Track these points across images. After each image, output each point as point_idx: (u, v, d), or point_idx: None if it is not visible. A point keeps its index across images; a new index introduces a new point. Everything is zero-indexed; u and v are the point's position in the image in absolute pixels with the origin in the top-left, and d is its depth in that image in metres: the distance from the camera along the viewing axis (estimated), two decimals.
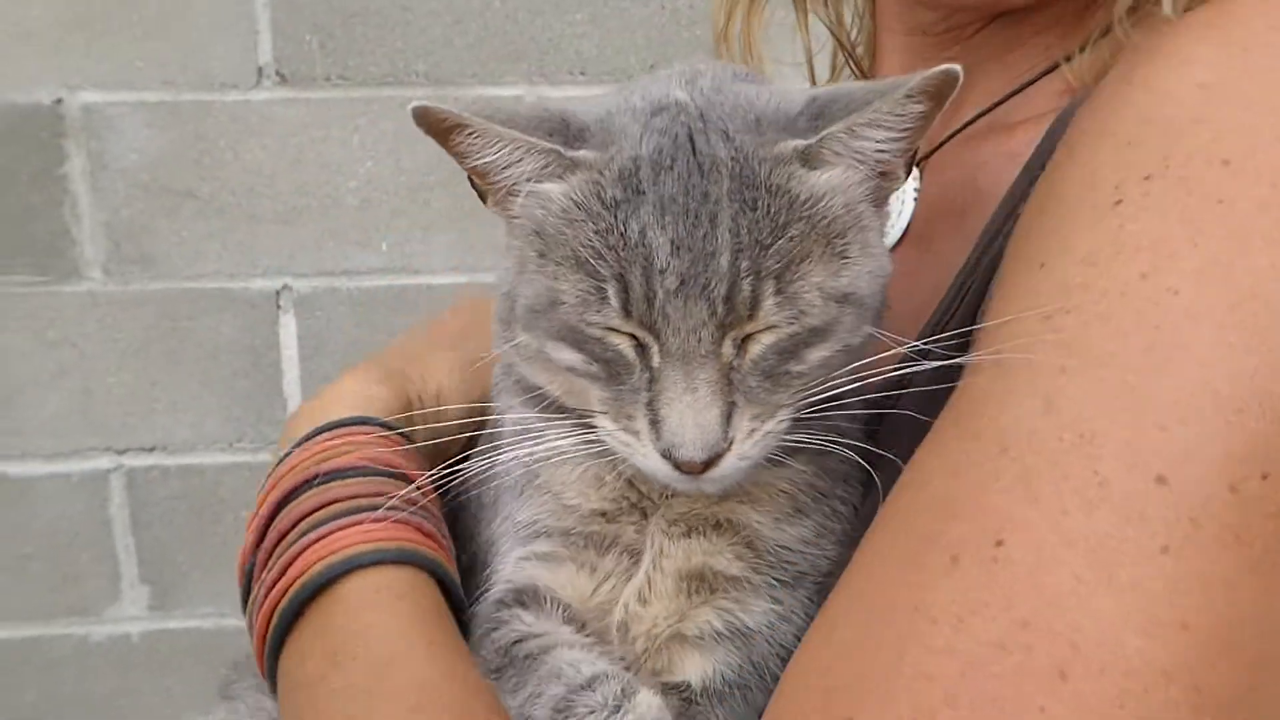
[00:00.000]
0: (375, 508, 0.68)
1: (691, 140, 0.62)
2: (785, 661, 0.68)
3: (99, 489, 1.85)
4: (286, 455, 0.73)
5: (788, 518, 0.70)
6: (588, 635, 0.70)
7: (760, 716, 0.58)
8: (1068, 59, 0.74)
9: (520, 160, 0.65)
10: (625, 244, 0.61)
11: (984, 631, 0.47)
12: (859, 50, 0.96)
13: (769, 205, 0.61)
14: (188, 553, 1.89)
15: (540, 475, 0.71)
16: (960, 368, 0.60)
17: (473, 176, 0.68)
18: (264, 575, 0.69)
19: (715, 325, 0.60)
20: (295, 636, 0.67)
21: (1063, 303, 0.52)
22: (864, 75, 0.96)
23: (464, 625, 0.71)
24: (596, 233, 0.62)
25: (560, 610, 0.70)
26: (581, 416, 0.68)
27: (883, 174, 0.66)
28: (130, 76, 1.69)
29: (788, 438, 0.64)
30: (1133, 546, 0.46)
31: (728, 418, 0.61)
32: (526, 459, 0.70)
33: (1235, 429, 0.47)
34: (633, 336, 0.62)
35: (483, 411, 0.78)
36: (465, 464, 0.72)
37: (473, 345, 0.82)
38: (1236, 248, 0.49)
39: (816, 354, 0.64)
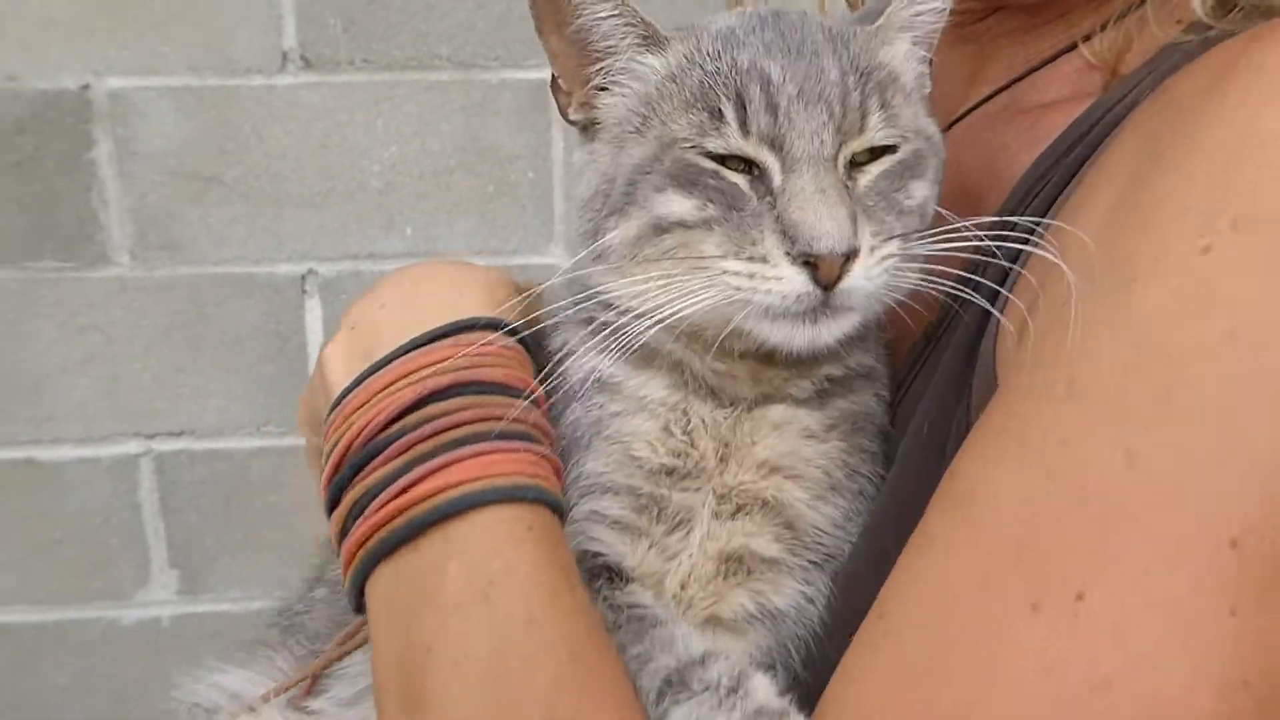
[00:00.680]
0: (527, 436, 0.66)
1: (776, 16, 0.70)
2: (808, 642, 0.70)
3: (128, 473, 1.87)
4: (426, 343, 0.69)
5: (824, 497, 0.72)
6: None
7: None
8: (1086, 38, 0.74)
9: (625, 31, 0.69)
10: (737, 71, 0.66)
11: (1068, 687, 0.48)
12: None
13: (857, 52, 0.68)
14: (216, 537, 1.91)
15: (607, 428, 0.71)
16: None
17: (558, 80, 0.72)
18: (395, 463, 0.65)
19: (834, 129, 0.65)
20: (426, 546, 0.64)
21: (1146, 346, 0.52)
22: None
23: None
24: (705, 74, 0.67)
25: (634, 582, 0.70)
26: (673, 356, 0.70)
27: (924, 58, 0.73)
28: (156, 62, 1.70)
29: (893, 285, 0.67)
30: (1207, 609, 0.48)
31: (854, 222, 0.63)
32: (603, 402, 0.71)
33: None
34: (748, 166, 0.65)
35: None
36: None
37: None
38: None
39: (918, 189, 0.68)
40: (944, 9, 0.72)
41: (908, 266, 0.67)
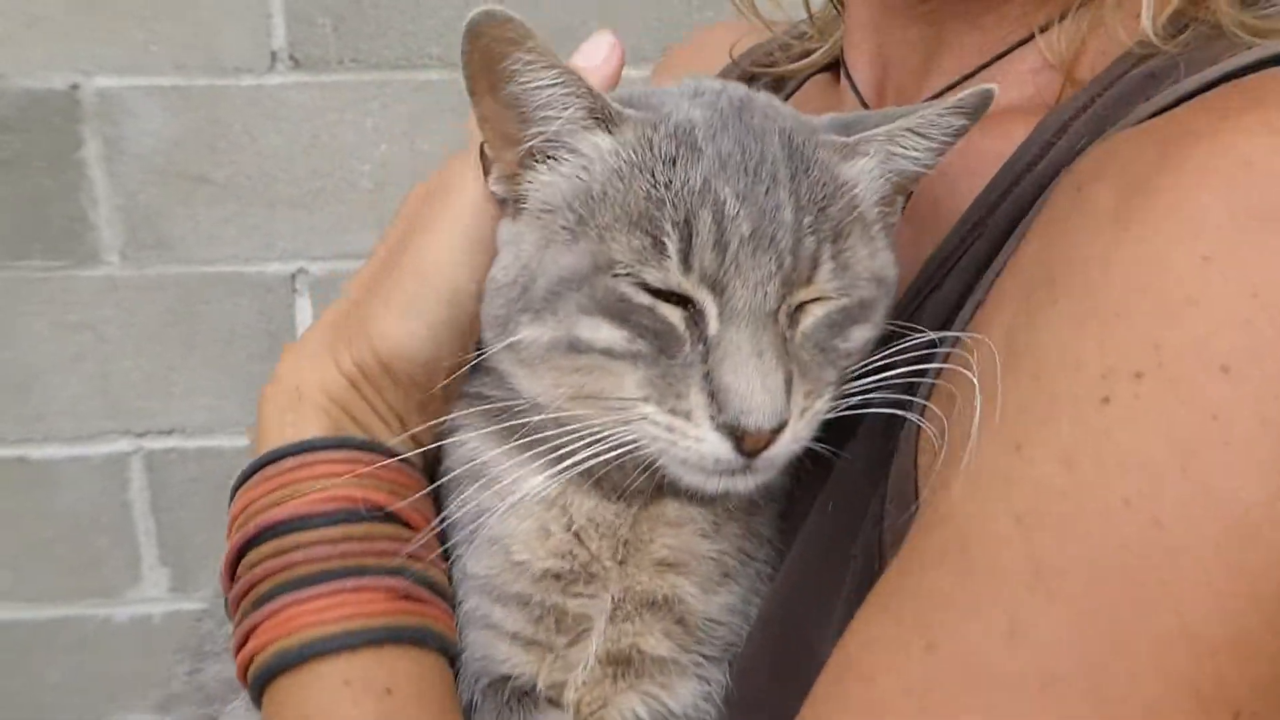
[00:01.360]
0: (343, 573, 0.62)
1: (739, 114, 0.62)
2: None
3: (119, 472, 1.87)
4: (248, 479, 0.67)
5: (716, 585, 0.67)
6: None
7: None
8: (1043, 29, 0.70)
9: (569, 101, 0.61)
10: (689, 192, 0.58)
11: None
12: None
13: (818, 175, 0.61)
14: (206, 535, 1.91)
15: (486, 528, 0.65)
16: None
17: (484, 147, 0.64)
18: (235, 626, 0.64)
19: (780, 281, 0.58)
20: (268, 705, 0.63)
21: (1038, 507, 0.48)
22: None
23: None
24: (654, 184, 0.59)
25: (549, 703, 0.67)
26: (567, 444, 0.62)
27: (895, 190, 0.67)
28: (144, 61, 1.69)
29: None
30: None
31: (789, 386, 0.58)
32: (483, 500, 0.65)
33: (1207, 671, 0.44)
34: (684, 306, 0.59)
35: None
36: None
37: (419, 254, 0.68)
38: (1229, 476, 0.45)
39: (860, 333, 0.63)
40: (935, 149, 0.65)
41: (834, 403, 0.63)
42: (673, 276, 0.58)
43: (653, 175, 0.60)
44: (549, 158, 0.63)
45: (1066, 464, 0.48)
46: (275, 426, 0.67)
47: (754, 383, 0.57)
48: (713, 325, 0.58)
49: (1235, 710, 0.44)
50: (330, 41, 1.71)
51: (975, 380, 0.53)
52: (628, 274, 0.59)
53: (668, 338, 0.59)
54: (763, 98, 0.67)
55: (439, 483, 0.68)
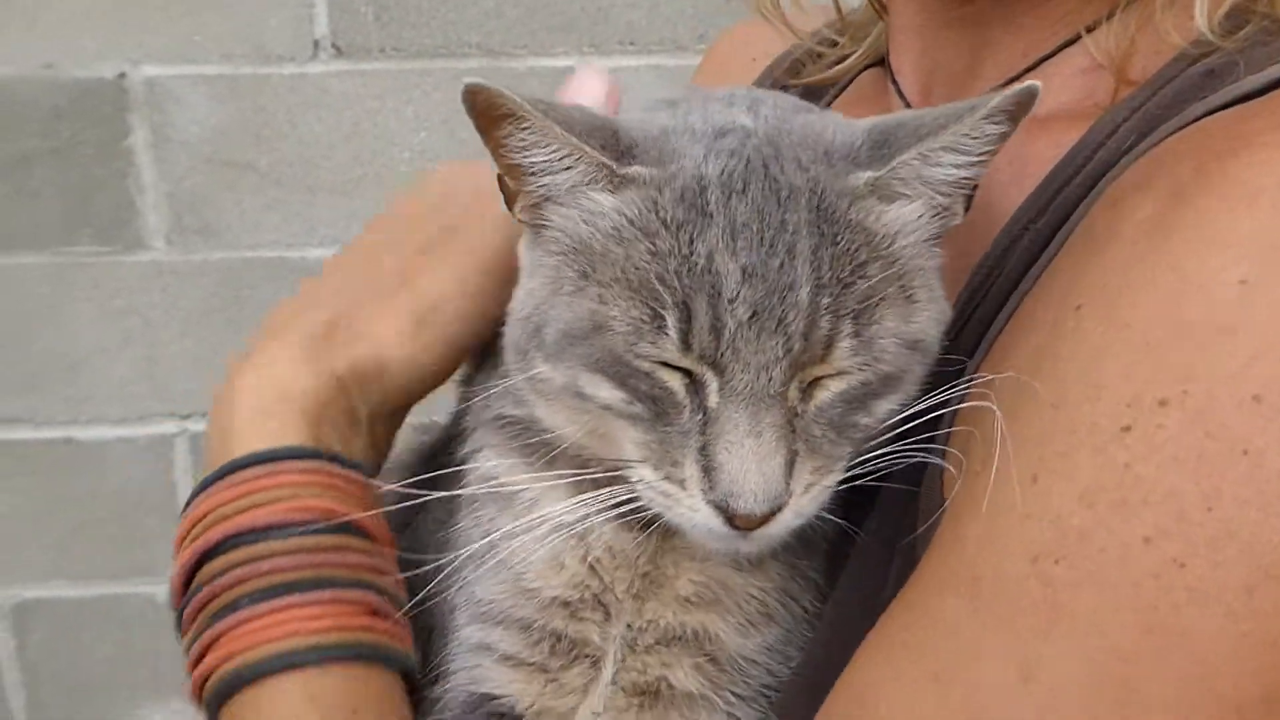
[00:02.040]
0: (315, 584, 0.60)
1: (765, 166, 0.56)
2: None
3: (164, 453, 1.90)
4: (207, 486, 0.64)
5: (755, 624, 0.65)
6: None
7: None
8: (1089, 29, 0.67)
9: (569, 167, 0.58)
10: (690, 269, 0.54)
11: None
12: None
13: (849, 241, 0.56)
14: None
15: (498, 550, 0.63)
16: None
17: (504, 177, 0.62)
18: (191, 639, 0.62)
19: (788, 364, 0.54)
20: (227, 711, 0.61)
21: (1056, 546, 0.46)
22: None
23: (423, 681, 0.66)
24: (654, 255, 0.55)
25: None
26: (594, 466, 0.61)
27: (947, 208, 0.61)
28: (190, 51, 1.73)
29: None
30: None
31: (790, 468, 0.55)
32: (499, 521, 0.63)
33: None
34: (687, 373, 0.56)
35: (425, 462, 0.71)
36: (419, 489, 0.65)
37: (428, 282, 0.69)
38: (1260, 515, 0.42)
39: (884, 406, 0.58)
40: (978, 148, 0.59)
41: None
42: (670, 354, 0.55)
43: (654, 243, 0.56)
44: (559, 202, 0.60)
45: (1084, 500, 0.46)
46: (251, 429, 0.64)
47: (748, 465, 0.54)
48: (712, 398, 0.55)
49: None
50: (372, 30, 1.73)
51: (995, 408, 0.51)
52: (626, 348, 0.56)
53: (666, 403, 0.56)
54: (798, 131, 0.60)
55: (435, 496, 0.67)
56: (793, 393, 0.55)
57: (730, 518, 0.55)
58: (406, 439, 0.77)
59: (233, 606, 0.60)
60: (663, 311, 0.54)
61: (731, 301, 0.53)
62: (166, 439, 1.89)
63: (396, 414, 0.71)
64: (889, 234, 0.58)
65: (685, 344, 0.54)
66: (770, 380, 0.54)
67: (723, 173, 0.56)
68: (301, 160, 1.78)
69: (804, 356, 0.54)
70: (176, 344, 1.85)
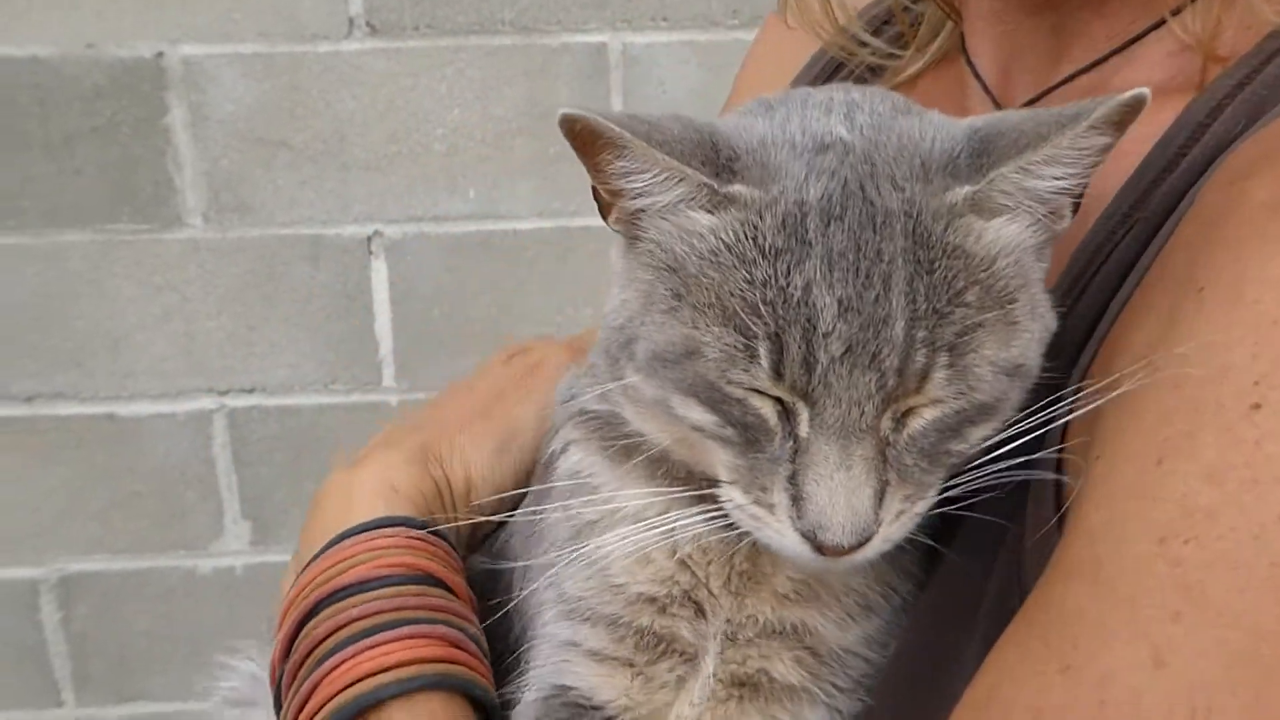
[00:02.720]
0: (399, 623, 0.64)
1: (862, 188, 0.55)
2: None
3: (203, 428, 1.93)
4: (310, 563, 0.69)
5: (855, 617, 0.65)
6: None
7: None
8: (1175, 12, 0.65)
9: (666, 188, 0.58)
10: (785, 300, 0.53)
11: None
12: None
13: (946, 268, 0.55)
14: (286, 490, 1.97)
15: (588, 546, 0.64)
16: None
17: (599, 190, 0.61)
18: (291, 697, 0.66)
19: (881, 399, 0.54)
20: None
21: (1184, 528, 0.45)
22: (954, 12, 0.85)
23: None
24: (750, 283, 0.54)
25: None
26: (685, 474, 0.62)
27: (1052, 214, 0.59)
28: (227, 29, 1.74)
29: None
30: None
31: (880, 498, 0.55)
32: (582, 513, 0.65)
33: None
34: (779, 401, 0.56)
35: (516, 501, 0.75)
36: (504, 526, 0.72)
37: (513, 412, 0.77)
38: None
39: (979, 432, 0.57)
40: (1080, 175, 0.57)
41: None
42: (762, 382, 0.55)
43: (750, 272, 0.55)
44: (660, 218, 0.60)
45: (1212, 479, 0.45)
46: (361, 513, 0.71)
47: (837, 499, 0.54)
48: (803, 428, 0.55)
49: None
50: (406, 8, 1.74)
51: (1115, 393, 0.51)
52: (718, 374, 0.56)
53: (757, 430, 0.56)
54: (895, 142, 0.58)
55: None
56: (885, 423, 0.55)
57: (818, 547, 0.55)
58: None
59: (325, 656, 0.64)
60: (755, 342, 0.54)
61: (826, 336, 0.53)
62: (205, 414, 1.92)
63: (476, 527, 0.77)
64: (989, 255, 0.56)
65: (777, 374, 0.54)
66: (862, 415, 0.54)
67: (822, 197, 0.55)
68: (336, 138, 1.79)
69: (897, 390, 0.54)
70: (214, 320, 1.87)
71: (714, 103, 1.80)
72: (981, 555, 0.60)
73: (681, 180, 0.57)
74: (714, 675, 0.64)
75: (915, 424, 0.56)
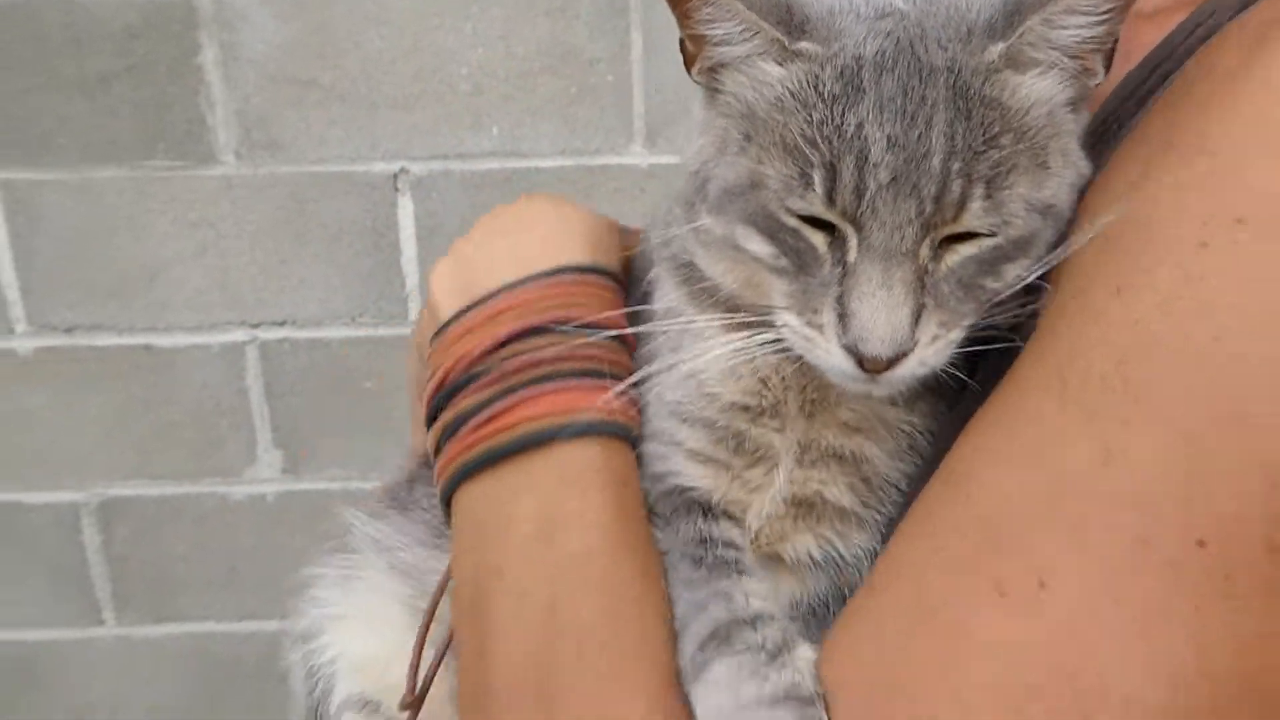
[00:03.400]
0: (602, 373, 0.70)
1: (912, 47, 0.62)
2: None
3: (235, 360, 2.00)
4: (528, 283, 0.74)
5: (903, 454, 0.71)
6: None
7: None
8: None
9: (747, 40, 0.65)
10: (840, 135, 0.61)
11: (1022, 672, 0.50)
12: None
13: (982, 115, 0.61)
14: (316, 420, 2.04)
15: (685, 362, 0.72)
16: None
17: (684, 41, 0.68)
18: (488, 394, 0.71)
19: (920, 224, 0.60)
20: (506, 473, 0.69)
21: (1137, 349, 0.51)
22: None
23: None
24: (810, 122, 0.62)
25: (726, 518, 0.72)
26: (748, 314, 0.68)
27: (1084, 69, 0.65)
28: None
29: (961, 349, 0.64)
30: (1168, 607, 0.48)
31: (917, 319, 0.61)
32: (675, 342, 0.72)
33: (1278, 495, 0.47)
34: (828, 231, 0.62)
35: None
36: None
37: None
38: None
39: (1014, 270, 0.63)
40: (1100, 9, 0.62)
41: (994, 318, 0.65)
42: (816, 207, 0.62)
43: (810, 114, 0.62)
44: (736, 70, 0.67)
45: (1163, 308, 0.51)
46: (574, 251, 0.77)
47: (878, 314, 0.60)
48: (852, 253, 0.62)
49: None
50: None
51: (1088, 233, 0.57)
52: (776, 201, 0.63)
53: (809, 257, 0.63)
54: (944, 11, 0.65)
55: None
56: (924, 252, 0.62)
57: (860, 360, 0.62)
58: None
59: (543, 378, 0.70)
60: (811, 171, 0.61)
61: (875, 166, 0.60)
62: (238, 346, 1.98)
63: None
64: (1023, 107, 0.63)
65: (830, 200, 0.61)
66: (903, 239, 0.61)
67: (877, 53, 0.62)
68: (364, 76, 1.83)
69: (935, 218, 0.61)
70: (247, 255, 1.93)
71: None
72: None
73: (757, 34, 0.64)
74: (780, 493, 0.71)
75: (952, 258, 0.63)
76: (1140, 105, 0.66)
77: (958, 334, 0.63)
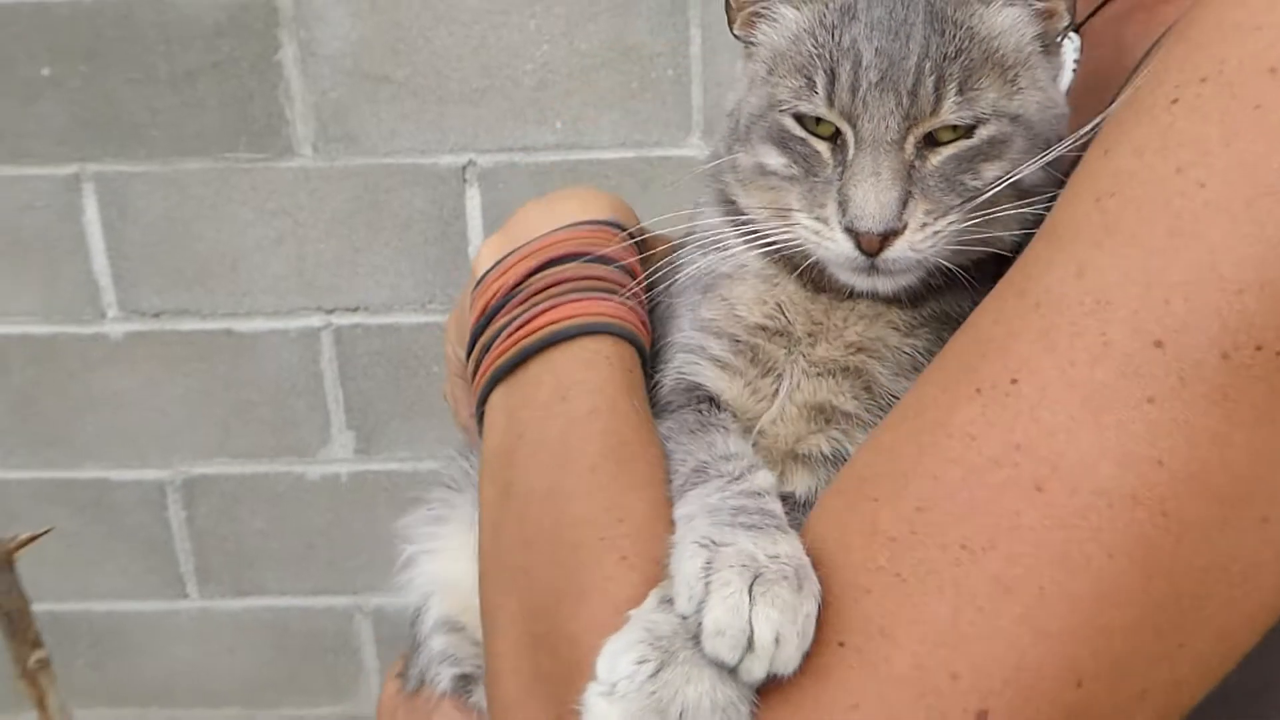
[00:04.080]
0: (613, 290, 0.81)
1: None
2: None
3: (311, 344, 2.09)
4: (556, 232, 0.86)
5: (904, 373, 0.79)
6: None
7: None
8: None
9: None
10: (838, 49, 0.73)
11: (986, 449, 0.56)
12: None
13: (954, 33, 0.73)
14: (387, 403, 2.13)
15: (719, 287, 0.83)
16: None
17: (730, 1, 0.82)
18: (519, 313, 0.82)
19: (902, 115, 0.71)
20: (533, 366, 0.79)
21: (1112, 187, 0.58)
22: None
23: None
24: (815, 45, 0.75)
25: (726, 411, 0.81)
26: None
27: (1048, 11, 0.76)
28: None
29: (954, 246, 0.73)
30: (1123, 395, 0.53)
31: (904, 203, 0.70)
32: (715, 263, 0.83)
33: (1233, 306, 0.52)
34: (831, 140, 0.74)
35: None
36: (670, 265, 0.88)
37: None
38: (1264, 149, 0.53)
39: (991, 170, 0.73)
40: None
41: (987, 227, 0.73)
42: (819, 109, 0.73)
43: (815, 38, 0.75)
44: (764, 18, 0.80)
45: (1136, 152, 0.58)
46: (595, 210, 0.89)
47: (869, 195, 0.70)
48: (850, 151, 0.72)
49: (1258, 343, 0.52)
50: None
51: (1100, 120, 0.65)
52: (788, 108, 0.75)
53: (815, 162, 0.74)
54: None
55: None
56: (910, 147, 0.72)
57: (858, 240, 0.71)
58: None
59: (576, 290, 0.81)
60: (814, 78, 0.74)
61: (866, 69, 0.72)
62: (313, 331, 2.07)
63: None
64: (991, 32, 0.75)
65: (830, 101, 0.73)
66: (888, 129, 0.71)
67: None
68: (434, 72, 1.91)
69: (915, 110, 0.71)
70: (323, 244, 2.02)
71: None
72: None
73: None
74: (790, 399, 0.81)
75: (935, 158, 0.73)
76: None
77: (944, 224, 0.72)
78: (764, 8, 0.80)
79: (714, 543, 0.59)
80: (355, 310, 2.06)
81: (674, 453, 0.74)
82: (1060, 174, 0.72)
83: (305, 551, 2.22)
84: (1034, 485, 0.54)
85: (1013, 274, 0.62)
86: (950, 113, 0.72)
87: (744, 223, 0.81)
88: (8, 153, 1.97)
